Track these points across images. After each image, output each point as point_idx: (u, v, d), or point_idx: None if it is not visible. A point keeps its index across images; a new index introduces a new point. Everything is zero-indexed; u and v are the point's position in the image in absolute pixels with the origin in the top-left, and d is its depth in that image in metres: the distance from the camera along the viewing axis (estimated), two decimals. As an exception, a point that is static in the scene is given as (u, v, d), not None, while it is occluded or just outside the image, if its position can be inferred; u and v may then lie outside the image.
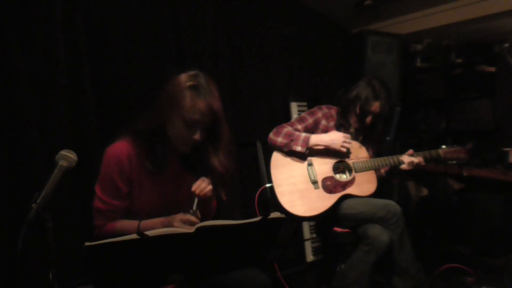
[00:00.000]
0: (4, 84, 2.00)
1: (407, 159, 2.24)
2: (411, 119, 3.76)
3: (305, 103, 3.17)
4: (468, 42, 3.48)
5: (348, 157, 2.28)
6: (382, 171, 2.35)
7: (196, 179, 1.51)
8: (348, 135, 2.23)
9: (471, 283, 2.48)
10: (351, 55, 3.27)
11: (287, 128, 2.25)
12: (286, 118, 3.10)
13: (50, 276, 1.19)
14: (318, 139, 2.21)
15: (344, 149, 2.20)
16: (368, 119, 2.28)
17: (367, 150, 2.35)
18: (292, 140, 2.20)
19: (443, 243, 3.16)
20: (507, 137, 3.02)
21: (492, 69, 3.28)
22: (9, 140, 2.01)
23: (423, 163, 2.27)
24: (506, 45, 3.09)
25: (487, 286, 2.39)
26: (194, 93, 1.43)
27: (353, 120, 2.34)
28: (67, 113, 2.18)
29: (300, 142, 2.19)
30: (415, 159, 2.24)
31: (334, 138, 2.20)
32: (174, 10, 2.61)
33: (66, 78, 2.17)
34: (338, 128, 2.35)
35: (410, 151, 2.31)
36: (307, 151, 2.22)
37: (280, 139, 2.22)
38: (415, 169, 2.28)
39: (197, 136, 1.45)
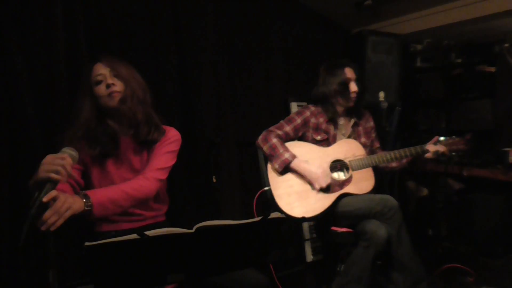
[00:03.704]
0: (4, 84, 2.00)
1: (433, 148, 2.25)
2: (411, 119, 3.76)
3: (305, 103, 3.16)
4: (468, 42, 3.49)
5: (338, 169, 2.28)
6: (404, 161, 2.35)
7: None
8: (330, 175, 2.18)
9: (471, 283, 2.48)
10: (351, 55, 3.27)
11: (275, 139, 2.23)
12: (286, 118, 3.11)
13: (50, 276, 1.19)
14: (298, 166, 2.19)
15: (317, 187, 2.16)
16: (354, 87, 2.30)
17: (360, 138, 2.37)
18: (273, 156, 2.20)
19: (443, 243, 3.16)
20: (507, 137, 3.02)
21: (492, 69, 3.28)
22: (9, 140, 2.01)
23: (447, 152, 2.27)
24: (506, 45, 3.09)
25: (487, 286, 2.39)
26: None
27: (337, 103, 2.34)
28: (67, 113, 2.18)
29: (279, 161, 2.19)
30: (441, 148, 2.25)
31: (314, 171, 2.17)
32: (174, 10, 2.61)
33: (66, 78, 2.17)
34: (329, 122, 2.35)
35: (436, 137, 2.30)
36: (284, 170, 2.21)
37: (265, 148, 2.24)
38: (439, 159, 2.29)
39: None
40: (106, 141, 1.64)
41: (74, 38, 2.20)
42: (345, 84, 2.30)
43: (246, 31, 3.00)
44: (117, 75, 1.66)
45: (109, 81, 1.63)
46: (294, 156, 2.19)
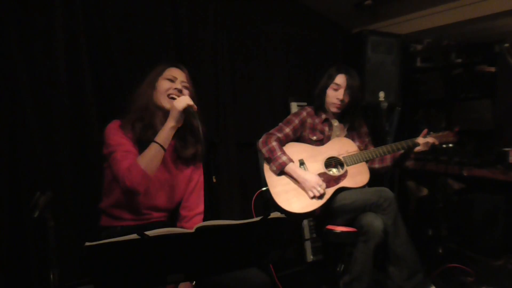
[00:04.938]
0: (4, 84, 2.00)
1: (423, 140, 2.29)
2: (411, 119, 3.76)
3: (305, 103, 3.17)
4: (468, 42, 3.48)
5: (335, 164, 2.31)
6: (397, 155, 2.39)
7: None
8: (324, 184, 2.19)
9: (471, 283, 2.48)
10: (351, 55, 3.27)
11: (274, 142, 2.27)
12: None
13: (51, 276, 1.20)
14: (293, 171, 2.22)
15: (311, 194, 2.17)
16: (340, 95, 2.32)
17: (354, 142, 2.39)
18: (271, 159, 2.25)
19: (443, 243, 3.16)
20: (507, 137, 3.02)
21: (492, 69, 3.28)
22: (9, 140, 2.01)
23: (437, 143, 2.31)
24: (506, 45, 3.09)
25: (487, 286, 2.40)
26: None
27: (329, 106, 2.37)
28: (67, 113, 2.18)
29: (276, 164, 2.24)
30: (430, 140, 2.29)
31: (308, 179, 2.19)
32: (175, 10, 2.61)
33: (66, 78, 2.17)
34: (323, 123, 2.39)
35: (425, 130, 2.35)
36: (280, 173, 2.25)
37: (264, 150, 2.29)
38: (431, 149, 2.32)
39: None
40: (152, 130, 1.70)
41: (74, 39, 2.20)
42: (325, 89, 2.36)
43: (246, 31, 3.00)
44: (186, 89, 1.75)
45: (178, 86, 1.72)
46: (290, 160, 2.24)
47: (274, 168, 2.24)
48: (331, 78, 2.36)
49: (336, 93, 2.34)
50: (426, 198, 3.51)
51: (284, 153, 2.25)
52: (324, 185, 2.19)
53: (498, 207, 2.96)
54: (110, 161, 1.63)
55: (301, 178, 2.20)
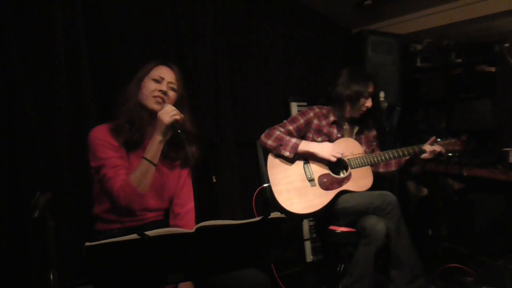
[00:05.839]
0: (4, 84, 2.00)
1: (430, 148, 2.29)
2: (411, 119, 3.76)
3: (305, 103, 3.17)
4: (468, 42, 3.48)
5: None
6: (403, 161, 2.39)
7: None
8: (340, 150, 2.21)
9: (471, 283, 2.48)
10: (351, 55, 3.27)
11: (278, 132, 2.26)
12: (286, 118, 3.10)
13: (50, 276, 1.20)
14: (308, 147, 2.21)
15: (333, 158, 2.19)
16: (369, 102, 2.32)
17: (361, 146, 2.38)
18: (281, 145, 2.22)
19: (443, 243, 3.16)
20: (507, 137, 3.02)
21: (492, 69, 3.28)
22: (9, 140, 2.01)
23: (444, 151, 2.33)
24: (506, 45, 3.08)
25: (487, 286, 2.40)
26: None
27: (351, 111, 2.34)
28: (67, 113, 2.18)
29: (288, 147, 2.21)
30: (437, 148, 2.30)
31: (325, 147, 2.21)
32: (174, 10, 2.61)
33: (66, 78, 2.17)
34: (331, 125, 2.36)
35: (433, 138, 2.35)
36: (295, 156, 2.23)
37: (270, 142, 2.24)
38: (436, 158, 2.34)
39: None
40: (139, 132, 1.68)
41: (74, 39, 2.20)
42: (361, 96, 2.30)
43: (246, 31, 3.00)
44: (173, 90, 1.70)
45: (164, 88, 1.67)
46: (301, 140, 2.23)
47: (288, 153, 2.20)
48: (366, 87, 2.30)
49: (366, 100, 2.32)
50: (426, 198, 3.51)
51: (292, 137, 2.25)
52: (341, 151, 2.23)
53: (498, 207, 2.97)
54: (100, 177, 1.62)
55: (318, 149, 2.21)
